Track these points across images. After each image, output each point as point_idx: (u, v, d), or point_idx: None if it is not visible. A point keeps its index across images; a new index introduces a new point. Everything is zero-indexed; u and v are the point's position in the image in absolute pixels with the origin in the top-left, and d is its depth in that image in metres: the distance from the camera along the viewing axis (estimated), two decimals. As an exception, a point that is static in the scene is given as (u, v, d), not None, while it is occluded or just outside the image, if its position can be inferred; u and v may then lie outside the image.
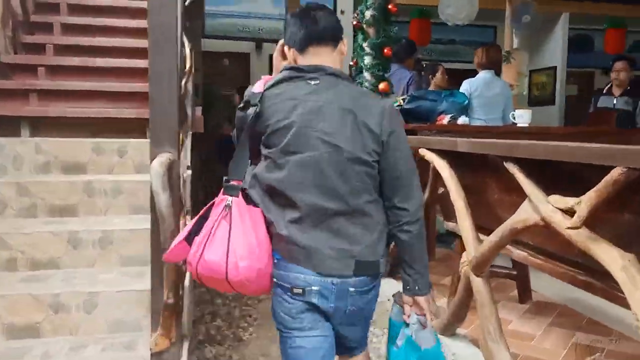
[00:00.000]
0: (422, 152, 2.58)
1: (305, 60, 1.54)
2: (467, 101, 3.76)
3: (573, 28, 8.55)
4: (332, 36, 1.55)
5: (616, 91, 4.81)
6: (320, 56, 1.53)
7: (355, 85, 1.69)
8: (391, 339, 1.68)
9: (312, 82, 1.49)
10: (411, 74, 4.65)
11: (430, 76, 4.87)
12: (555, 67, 8.33)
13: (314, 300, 1.46)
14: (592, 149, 1.43)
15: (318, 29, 1.53)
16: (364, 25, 3.44)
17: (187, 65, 2.83)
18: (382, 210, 1.52)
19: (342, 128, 1.44)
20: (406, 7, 6.63)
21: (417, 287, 1.54)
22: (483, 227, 2.37)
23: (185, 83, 2.83)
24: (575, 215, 1.53)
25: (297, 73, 1.51)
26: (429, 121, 3.65)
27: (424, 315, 1.57)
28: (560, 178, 1.75)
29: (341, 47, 1.58)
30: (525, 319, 2.86)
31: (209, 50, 7.49)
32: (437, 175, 2.61)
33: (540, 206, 1.68)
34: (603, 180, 1.41)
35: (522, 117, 3.69)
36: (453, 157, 2.42)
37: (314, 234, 1.45)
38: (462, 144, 2.22)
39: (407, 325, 1.61)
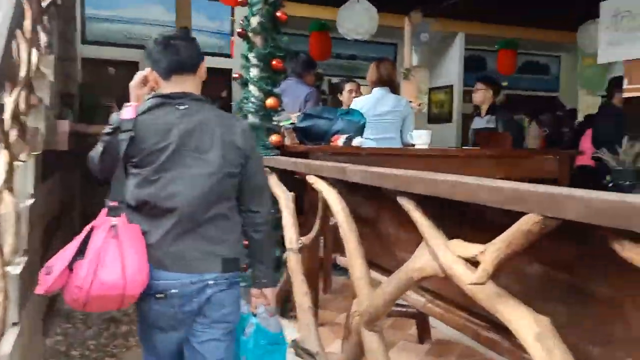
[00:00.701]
0: (310, 179, 2.25)
1: (169, 87, 1.73)
2: (364, 120, 3.50)
3: (469, 48, 8.80)
4: (192, 65, 1.74)
5: (481, 111, 4.78)
6: (184, 83, 1.73)
7: (216, 107, 1.82)
8: (241, 331, 1.83)
9: (181, 107, 1.69)
10: (310, 89, 4.38)
11: (338, 94, 4.67)
12: (452, 85, 8.49)
13: (177, 302, 1.62)
14: (503, 190, 1.15)
15: (180, 60, 1.71)
16: (250, 34, 3.08)
17: (23, 73, 2.31)
18: (238, 213, 1.78)
19: (213, 146, 1.68)
20: (305, 19, 6.39)
21: (265, 281, 1.85)
22: (381, 266, 2.07)
23: (28, 93, 2.32)
24: (480, 268, 1.25)
25: (166, 100, 1.70)
26: (324, 141, 3.36)
27: (270, 304, 1.85)
28: (467, 215, 1.49)
29: (200, 72, 1.77)
30: (425, 362, 2.62)
31: (91, 57, 6.82)
32: (328, 205, 2.29)
33: (439, 253, 1.39)
34: (514, 228, 1.14)
35: (421, 138, 3.51)
36: (344, 186, 2.11)
37: (184, 239, 1.63)
38: (352, 173, 1.91)
39: (255, 315, 1.85)
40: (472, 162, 3.26)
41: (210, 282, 1.63)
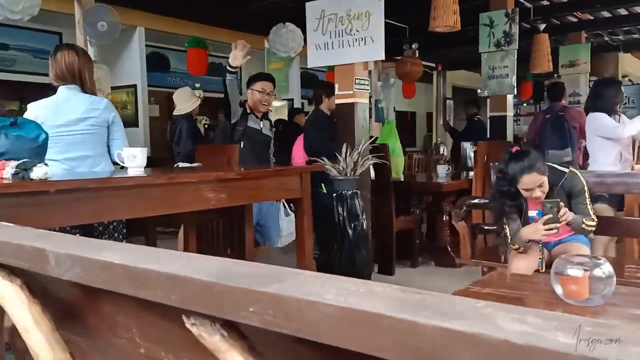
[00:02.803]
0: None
1: None
2: (44, 135, 2.34)
3: (151, 45, 7.91)
4: None
5: None
6: None
7: None
8: None
9: None
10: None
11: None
12: (136, 85, 7.49)
13: None
14: None
15: None
16: None
17: None
18: None
19: None
20: None
21: None
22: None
23: None
24: None
25: None
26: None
27: None
28: None
29: None
30: None
31: None
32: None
33: None
34: None
35: (134, 159, 2.54)
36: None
37: None
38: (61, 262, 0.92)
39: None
40: (220, 186, 2.50)
41: None
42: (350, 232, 3.95)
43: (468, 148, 6.05)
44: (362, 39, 4.01)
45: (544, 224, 2.47)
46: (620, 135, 3.47)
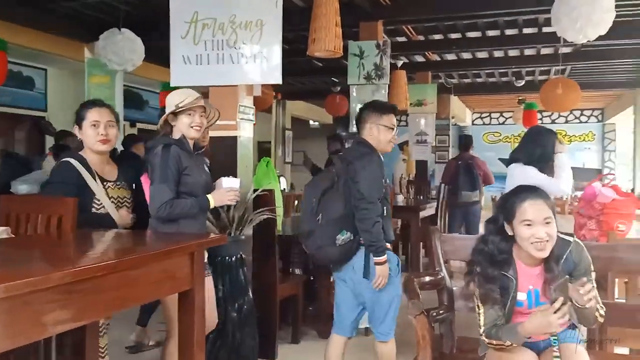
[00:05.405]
0: None
1: None
2: None
3: None
4: None
5: None
6: None
7: None
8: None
9: None
10: None
11: None
12: None
13: None
14: None
15: None
16: None
17: None
18: None
19: None
20: None
21: None
22: None
23: None
24: None
25: None
26: None
27: None
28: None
29: None
30: None
31: None
32: None
33: None
34: None
35: None
36: None
37: None
38: None
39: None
40: (63, 295, 1.29)
41: None
42: (234, 313, 2.90)
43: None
44: (251, 55, 3.04)
45: (556, 310, 1.78)
46: (565, 193, 3.05)
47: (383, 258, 2.50)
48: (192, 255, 1.89)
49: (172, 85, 3.16)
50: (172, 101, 2.46)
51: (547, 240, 1.86)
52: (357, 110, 5.48)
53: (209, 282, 2.60)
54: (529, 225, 1.87)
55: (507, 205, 1.96)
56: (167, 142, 2.43)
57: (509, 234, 1.96)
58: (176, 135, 2.48)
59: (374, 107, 2.72)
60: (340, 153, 6.60)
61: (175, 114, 2.46)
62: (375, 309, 2.62)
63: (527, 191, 1.94)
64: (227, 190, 2.53)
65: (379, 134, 2.64)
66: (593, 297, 1.81)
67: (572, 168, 3.16)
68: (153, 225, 2.46)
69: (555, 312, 1.76)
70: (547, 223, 1.88)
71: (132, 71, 5.28)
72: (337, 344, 2.72)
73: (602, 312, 1.94)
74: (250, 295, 3.01)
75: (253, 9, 3.03)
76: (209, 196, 2.49)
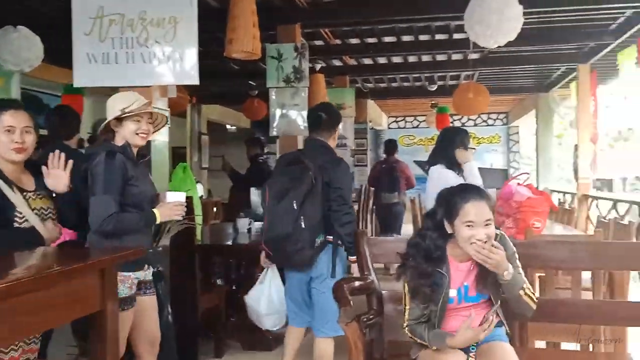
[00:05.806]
0: None
1: None
2: None
3: None
4: None
5: None
6: None
7: None
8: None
9: None
10: None
11: None
12: None
13: None
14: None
15: None
16: None
17: None
18: None
19: None
20: None
21: None
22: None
23: None
24: None
25: None
26: None
27: None
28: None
29: None
30: None
31: None
32: None
33: None
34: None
35: None
36: None
37: None
38: None
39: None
40: None
41: None
42: (151, 331, 2.69)
43: (254, 194, 5.24)
44: (164, 55, 2.85)
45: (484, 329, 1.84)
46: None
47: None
48: (102, 272, 1.70)
49: (75, 86, 2.91)
50: (116, 105, 2.26)
51: (486, 242, 1.86)
52: (279, 113, 5.41)
53: (152, 301, 2.46)
54: (470, 226, 1.86)
55: (449, 204, 1.94)
56: (111, 149, 2.23)
57: (448, 231, 1.94)
58: (119, 142, 2.29)
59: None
60: (265, 157, 6.49)
61: (119, 119, 2.25)
62: (325, 308, 2.67)
63: (471, 192, 1.94)
64: (174, 205, 2.34)
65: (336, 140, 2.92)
66: (514, 268, 1.92)
67: (481, 169, 3.33)
68: (93, 241, 2.22)
69: (484, 331, 1.83)
70: (487, 225, 1.88)
71: (30, 72, 4.86)
72: (294, 334, 2.89)
73: (529, 293, 1.97)
74: (169, 309, 2.81)
75: (165, 5, 2.85)
76: (155, 210, 2.30)
